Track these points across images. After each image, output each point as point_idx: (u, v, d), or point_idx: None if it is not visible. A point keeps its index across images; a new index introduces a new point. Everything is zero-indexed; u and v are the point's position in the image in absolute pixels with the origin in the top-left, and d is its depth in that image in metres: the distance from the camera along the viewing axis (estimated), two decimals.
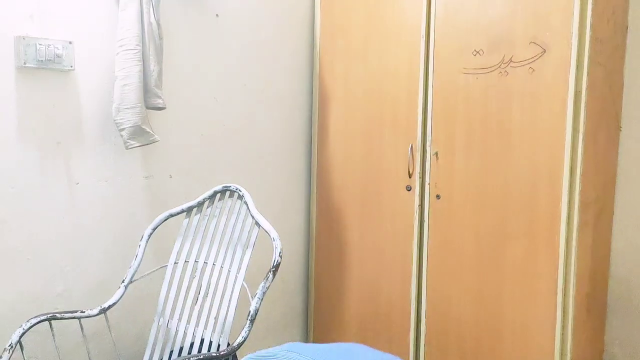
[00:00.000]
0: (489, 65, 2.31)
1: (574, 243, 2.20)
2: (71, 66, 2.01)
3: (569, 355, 2.27)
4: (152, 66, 2.11)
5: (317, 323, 2.98)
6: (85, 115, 2.08)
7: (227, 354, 1.79)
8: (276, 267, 1.89)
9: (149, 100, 2.12)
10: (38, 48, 1.91)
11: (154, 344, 2.05)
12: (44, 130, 1.97)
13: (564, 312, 2.26)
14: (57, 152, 2.01)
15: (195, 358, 1.71)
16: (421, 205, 2.54)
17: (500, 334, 2.40)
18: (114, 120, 2.07)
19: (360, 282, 2.79)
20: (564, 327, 2.27)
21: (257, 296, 1.86)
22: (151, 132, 2.14)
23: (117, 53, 2.06)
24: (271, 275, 1.88)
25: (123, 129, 2.08)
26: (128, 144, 2.09)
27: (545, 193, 2.23)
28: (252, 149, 2.67)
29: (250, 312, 1.85)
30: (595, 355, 2.66)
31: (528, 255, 2.31)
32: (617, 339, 2.68)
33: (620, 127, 2.57)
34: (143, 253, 2.07)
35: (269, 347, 2.90)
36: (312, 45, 2.87)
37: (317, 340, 2.98)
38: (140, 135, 2.11)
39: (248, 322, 1.84)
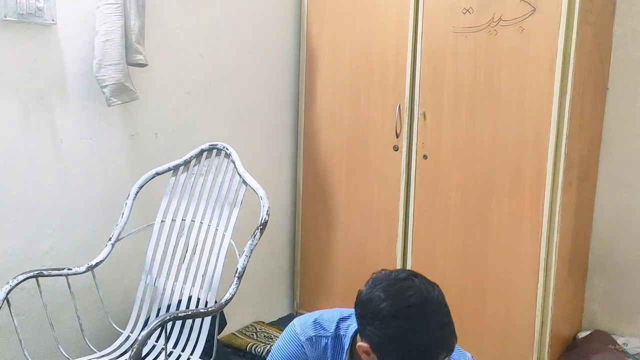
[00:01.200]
0: (479, 24, 2.29)
1: (558, 203, 2.23)
2: (53, 20, 1.95)
3: (550, 312, 2.32)
4: (133, 21, 2.06)
5: (304, 282, 3.01)
6: (69, 71, 2.03)
7: (215, 311, 1.80)
8: (264, 225, 1.89)
9: (130, 56, 2.08)
10: (18, 1, 1.85)
11: (142, 302, 2.06)
12: (26, 85, 1.93)
13: (546, 270, 2.30)
14: (40, 108, 1.97)
15: (184, 314, 1.72)
16: (408, 165, 2.54)
17: (484, 292, 2.44)
18: (96, 76, 2.03)
19: (346, 241, 2.81)
20: (546, 285, 2.32)
21: (244, 254, 1.87)
22: (133, 89, 2.10)
23: (98, 7, 2.00)
24: (258, 233, 1.89)
25: (105, 86, 2.04)
26: (110, 101, 2.06)
27: (532, 153, 2.25)
28: (239, 107, 2.65)
29: (237, 269, 1.85)
30: (575, 312, 2.73)
31: (513, 215, 2.33)
32: (597, 297, 2.74)
33: (608, 87, 2.57)
34: (130, 211, 2.06)
35: (256, 306, 2.95)
36: (300, 3, 2.81)
37: (303, 299, 3.01)
38: (123, 92, 2.07)
39: (235, 279, 1.85)
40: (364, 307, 1.26)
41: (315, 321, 1.44)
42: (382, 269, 1.32)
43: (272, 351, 1.50)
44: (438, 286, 1.29)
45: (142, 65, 2.13)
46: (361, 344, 1.29)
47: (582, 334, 2.66)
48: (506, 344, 2.41)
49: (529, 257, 2.32)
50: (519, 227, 2.33)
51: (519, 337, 2.38)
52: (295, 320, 1.48)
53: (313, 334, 1.43)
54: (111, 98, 2.06)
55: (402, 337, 1.19)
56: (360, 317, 1.28)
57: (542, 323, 2.33)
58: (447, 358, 1.22)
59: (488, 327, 2.44)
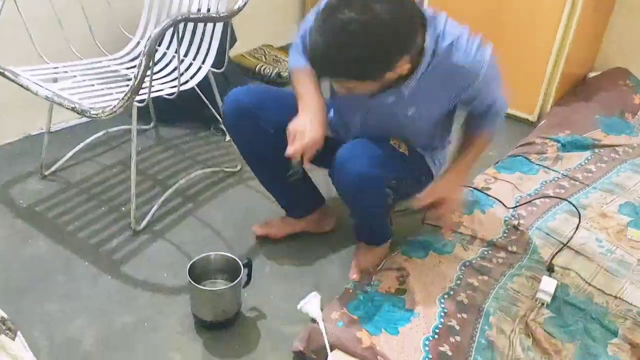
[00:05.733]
0: None
1: None
2: None
3: (566, 50, 2.27)
4: None
5: None
6: None
7: (227, 17, 1.74)
8: None
9: None
10: None
11: (150, 7, 1.99)
12: None
13: (572, 6, 2.20)
14: None
15: (195, 16, 1.67)
16: None
17: (503, 25, 2.35)
18: None
19: None
20: (568, 23, 2.23)
21: None
22: None
23: None
24: None
25: None
26: None
27: None
28: None
29: None
30: (591, 52, 2.68)
31: None
32: (616, 38, 2.65)
33: None
34: None
35: (266, 29, 2.88)
36: None
37: None
38: None
39: None
40: None
41: None
42: None
43: None
44: (393, 17, 1.12)
45: None
46: None
47: (593, 74, 2.65)
48: (517, 78, 2.40)
49: None
50: None
51: (531, 72, 2.37)
52: None
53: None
54: None
55: (313, 28, 1.17)
56: None
57: (557, 57, 2.30)
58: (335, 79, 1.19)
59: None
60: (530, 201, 1.85)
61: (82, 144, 2.05)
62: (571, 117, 2.28)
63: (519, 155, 2.11)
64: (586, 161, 2.10)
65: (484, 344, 1.34)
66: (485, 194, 1.88)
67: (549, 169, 2.05)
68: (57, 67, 1.77)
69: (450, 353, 1.31)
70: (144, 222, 1.76)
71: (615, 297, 1.51)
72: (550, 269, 1.57)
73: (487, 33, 2.33)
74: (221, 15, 1.71)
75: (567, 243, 1.66)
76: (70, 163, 2.02)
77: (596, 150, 2.16)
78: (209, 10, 1.89)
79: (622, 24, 2.61)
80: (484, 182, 1.96)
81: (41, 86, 1.60)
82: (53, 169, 1.97)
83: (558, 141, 2.17)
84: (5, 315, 1.42)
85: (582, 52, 2.50)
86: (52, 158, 1.99)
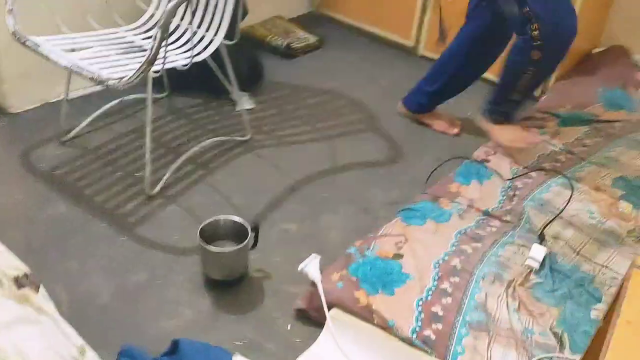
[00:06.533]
0: None
1: None
2: None
3: None
4: None
5: None
6: None
7: None
8: None
9: None
10: None
11: None
12: None
13: None
14: None
15: None
16: None
17: None
18: None
19: None
20: None
21: None
22: None
23: None
24: None
25: None
26: None
27: None
28: None
29: None
30: (597, 29, 2.69)
31: None
32: (621, 15, 2.66)
33: None
34: None
35: (276, 1, 2.91)
36: None
37: None
38: None
39: None
40: None
41: None
42: None
43: None
44: None
45: None
46: None
47: (597, 50, 2.68)
48: None
49: None
50: None
51: None
52: None
53: None
54: None
55: None
56: None
57: None
58: None
59: None
60: (526, 173, 1.92)
61: (98, 112, 2.13)
62: (572, 90, 2.33)
63: None
64: (583, 135, 2.16)
65: (474, 305, 1.43)
66: (484, 165, 1.95)
67: (547, 142, 2.11)
68: (75, 37, 1.85)
69: (441, 313, 1.40)
70: (157, 188, 1.86)
71: (603, 265, 1.59)
72: (541, 238, 1.65)
73: None
74: None
75: (559, 214, 1.73)
76: (88, 130, 2.11)
77: (594, 125, 2.21)
78: None
79: (626, 4, 2.63)
80: (484, 154, 2.03)
81: (61, 56, 1.69)
82: (71, 135, 2.06)
83: (558, 116, 2.22)
84: (28, 271, 1.53)
85: (586, 27, 2.52)
86: (70, 125, 2.08)
